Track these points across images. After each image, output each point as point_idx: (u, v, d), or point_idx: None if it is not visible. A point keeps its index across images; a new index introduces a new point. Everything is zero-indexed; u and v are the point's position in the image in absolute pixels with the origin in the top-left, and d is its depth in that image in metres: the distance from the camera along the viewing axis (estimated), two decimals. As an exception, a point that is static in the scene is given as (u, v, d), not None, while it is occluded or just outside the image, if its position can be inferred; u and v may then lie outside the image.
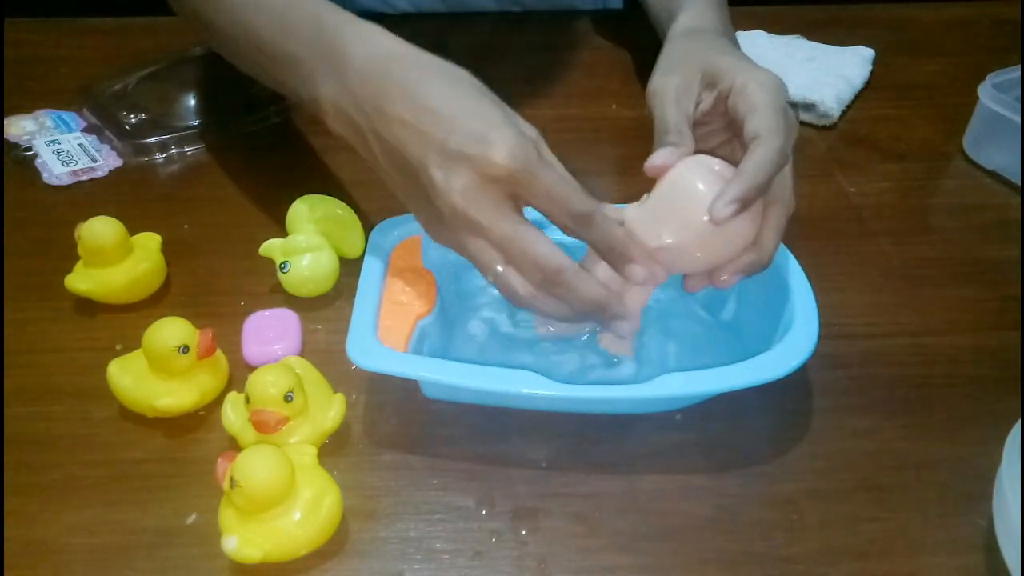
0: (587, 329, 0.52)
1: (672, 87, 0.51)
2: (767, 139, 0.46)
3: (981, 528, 0.45)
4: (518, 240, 0.44)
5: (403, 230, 0.54)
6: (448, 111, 0.44)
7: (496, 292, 0.55)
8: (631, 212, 0.47)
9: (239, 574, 0.43)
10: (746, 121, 0.47)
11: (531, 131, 0.46)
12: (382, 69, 0.47)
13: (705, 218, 0.44)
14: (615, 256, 0.45)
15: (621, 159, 0.73)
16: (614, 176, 0.71)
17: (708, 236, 0.45)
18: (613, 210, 0.47)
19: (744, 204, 0.44)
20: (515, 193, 0.44)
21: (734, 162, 0.46)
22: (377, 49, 0.48)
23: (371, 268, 0.52)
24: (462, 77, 0.46)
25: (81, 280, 0.56)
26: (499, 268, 0.45)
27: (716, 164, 0.46)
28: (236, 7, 0.55)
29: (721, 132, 0.52)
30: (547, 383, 0.45)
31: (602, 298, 0.45)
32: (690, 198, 0.45)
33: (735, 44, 0.59)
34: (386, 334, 0.48)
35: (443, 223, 0.45)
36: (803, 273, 0.51)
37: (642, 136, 0.70)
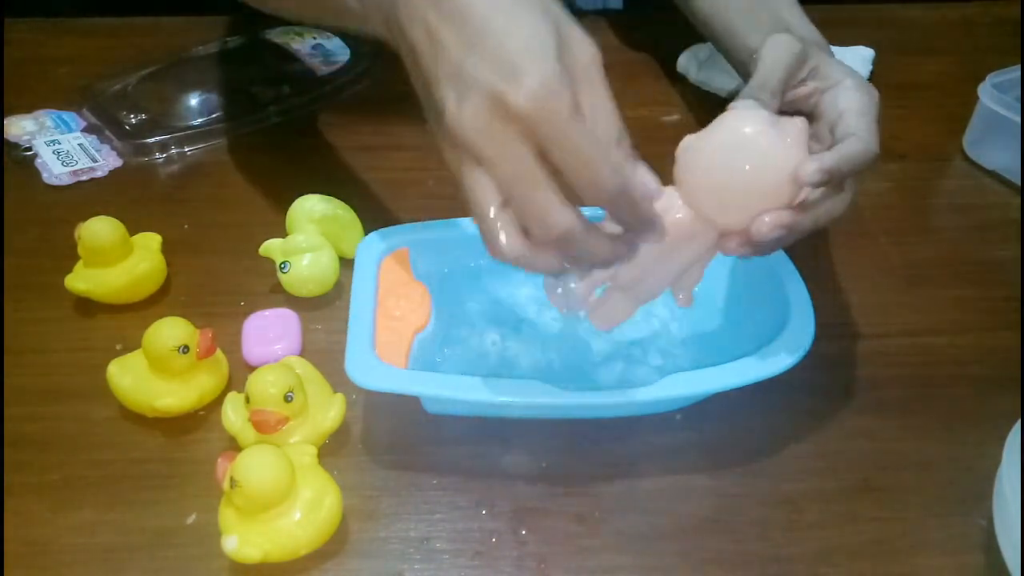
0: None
1: (792, 45, 0.50)
2: (866, 139, 0.46)
3: (981, 528, 0.45)
4: (525, 183, 0.37)
5: (389, 243, 0.54)
6: (477, 21, 0.37)
7: (495, 296, 0.56)
8: (688, 141, 0.44)
9: (239, 574, 0.43)
10: (844, 117, 0.47)
11: (584, 54, 0.39)
12: None
13: (749, 167, 0.42)
14: (642, 235, 0.41)
15: (621, 159, 0.72)
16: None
17: (759, 187, 0.42)
18: (647, 181, 0.40)
19: (831, 178, 0.42)
20: (536, 136, 0.37)
21: None
22: None
23: (361, 284, 0.51)
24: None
25: (81, 280, 0.56)
26: (492, 210, 0.38)
27: (756, 110, 0.45)
28: None
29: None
30: (551, 392, 0.45)
31: (613, 257, 0.40)
32: (744, 148, 0.42)
33: None
34: (384, 351, 0.48)
35: (449, 143, 0.39)
36: (796, 271, 0.51)
37: (642, 136, 0.69)
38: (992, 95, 0.69)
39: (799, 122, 0.43)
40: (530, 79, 0.36)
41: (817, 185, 0.43)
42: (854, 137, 0.46)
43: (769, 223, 0.42)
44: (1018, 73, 0.71)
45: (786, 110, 0.50)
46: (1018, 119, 0.67)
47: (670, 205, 0.43)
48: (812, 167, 0.42)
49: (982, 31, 0.91)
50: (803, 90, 0.51)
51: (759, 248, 0.44)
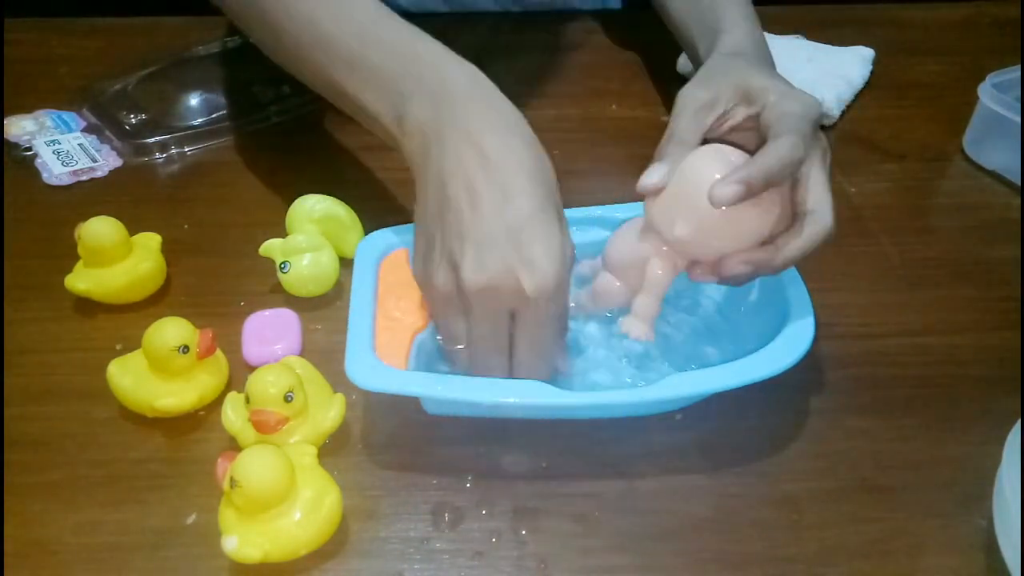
0: (612, 308, 0.52)
1: (697, 98, 0.51)
2: (788, 139, 0.46)
3: (981, 528, 0.45)
4: (491, 347, 0.46)
5: (388, 243, 0.54)
6: (518, 205, 0.44)
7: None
8: (649, 201, 0.47)
9: (239, 574, 0.43)
10: (772, 130, 0.47)
11: (568, 256, 0.46)
12: (479, 122, 0.46)
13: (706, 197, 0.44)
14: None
15: (621, 159, 0.73)
16: (614, 176, 0.71)
17: (719, 226, 0.45)
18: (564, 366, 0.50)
19: (748, 189, 0.43)
20: (520, 314, 0.45)
21: None
22: (482, 96, 0.48)
23: (361, 285, 0.51)
24: (546, 173, 0.46)
25: (81, 280, 0.56)
26: (459, 346, 0.47)
27: (732, 154, 0.46)
28: (302, 5, 0.53)
29: (751, 135, 0.51)
30: (551, 392, 0.45)
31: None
32: (701, 186, 0.44)
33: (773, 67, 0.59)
34: (384, 351, 0.48)
35: (446, 288, 0.46)
36: (796, 271, 0.51)
37: (642, 136, 0.70)
38: (992, 95, 0.69)
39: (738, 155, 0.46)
40: (541, 277, 0.43)
41: (740, 198, 0.43)
42: (774, 141, 0.46)
43: (735, 260, 0.46)
44: (1018, 73, 0.71)
45: (734, 140, 0.51)
46: (1018, 119, 0.67)
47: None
48: (721, 185, 0.43)
49: (982, 31, 0.91)
50: (736, 119, 0.50)
51: (728, 281, 0.47)
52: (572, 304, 0.52)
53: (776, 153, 0.45)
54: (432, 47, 0.51)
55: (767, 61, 0.58)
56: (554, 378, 0.49)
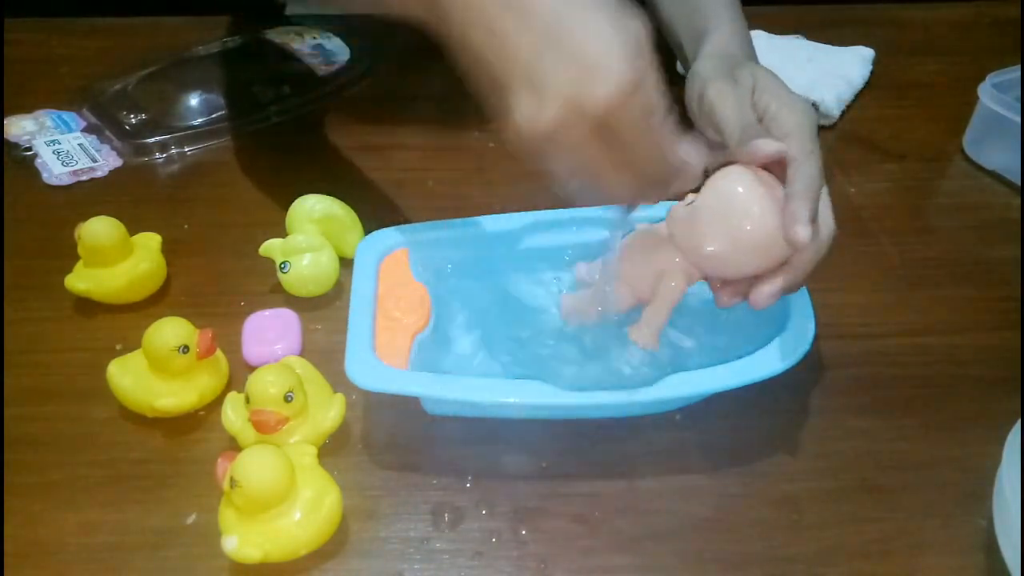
0: (615, 315, 0.51)
1: (734, 96, 0.50)
2: (803, 161, 0.46)
3: (981, 528, 0.45)
4: (591, 173, 0.41)
5: (388, 243, 0.54)
6: (549, 19, 0.38)
7: (495, 296, 0.56)
8: (675, 210, 0.47)
9: (239, 574, 0.43)
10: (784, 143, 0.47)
11: (638, 32, 0.39)
12: None
13: (749, 227, 0.44)
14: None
15: (621, 159, 0.73)
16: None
17: (751, 248, 0.45)
18: (686, 158, 0.44)
19: (813, 220, 0.44)
20: (606, 130, 0.39)
21: None
22: None
23: (361, 285, 0.51)
24: None
25: (81, 280, 0.56)
26: (572, 179, 0.42)
27: (769, 179, 0.46)
28: None
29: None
30: (551, 392, 0.45)
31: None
32: (742, 213, 0.45)
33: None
34: (384, 351, 0.48)
35: (521, 139, 0.40)
36: None
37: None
38: (992, 95, 0.69)
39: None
40: (606, 84, 0.37)
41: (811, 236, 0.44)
42: (796, 163, 0.46)
43: (767, 293, 0.45)
44: (1018, 73, 0.71)
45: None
46: (1018, 119, 0.67)
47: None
48: (799, 229, 0.43)
49: (982, 31, 0.91)
50: None
51: (756, 306, 0.46)
52: (570, 312, 0.52)
53: (813, 181, 0.45)
54: None
55: (752, 59, 0.58)
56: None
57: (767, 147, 0.45)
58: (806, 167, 0.45)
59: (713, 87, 0.52)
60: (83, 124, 0.74)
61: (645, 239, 0.50)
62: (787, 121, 0.48)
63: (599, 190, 0.43)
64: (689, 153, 0.44)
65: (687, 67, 0.66)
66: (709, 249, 0.46)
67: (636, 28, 0.39)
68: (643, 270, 0.49)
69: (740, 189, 0.45)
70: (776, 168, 0.48)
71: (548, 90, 0.38)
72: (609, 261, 0.51)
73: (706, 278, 0.48)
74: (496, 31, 0.39)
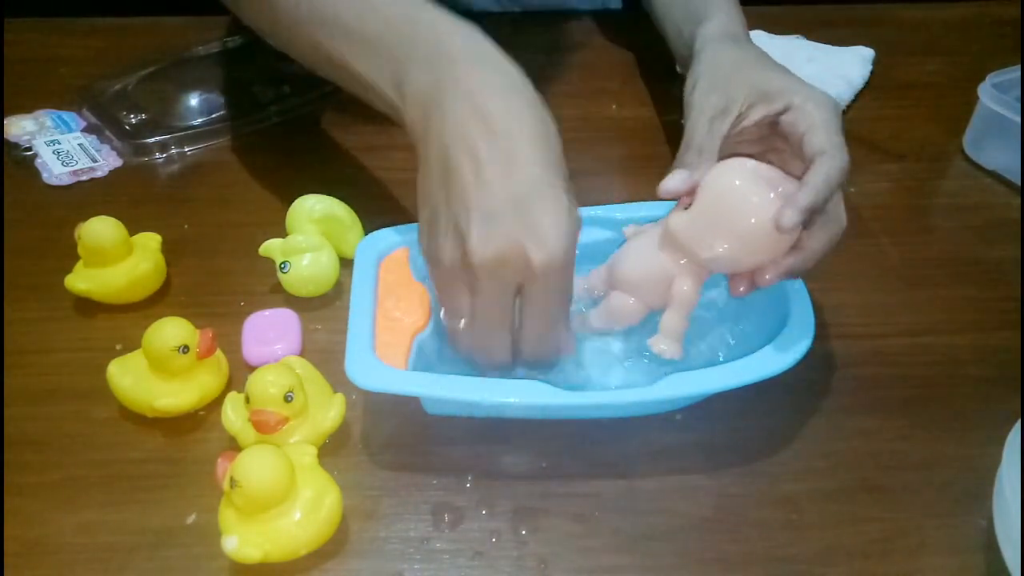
0: (623, 327, 0.52)
1: (712, 105, 0.51)
2: (833, 155, 0.46)
3: (981, 528, 0.45)
4: (495, 323, 0.45)
5: (388, 243, 0.54)
6: (524, 175, 0.43)
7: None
8: (676, 220, 0.47)
9: (239, 574, 0.43)
10: (807, 138, 0.47)
11: (578, 229, 0.44)
12: (480, 84, 0.45)
13: (753, 221, 0.44)
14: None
15: (621, 159, 0.73)
16: (614, 176, 0.71)
17: (758, 242, 0.45)
18: (568, 350, 0.49)
19: (809, 215, 0.44)
20: (526, 288, 0.44)
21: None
22: (482, 57, 0.46)
23: (361, 285, 0.51)
24: (551, 137, 0.45)
25: (81, 280, 0.56)
26: (460, 323, 0.46)
27: (761, 169, 0.46)
28: None
29: (755, 143, 0.52)
30: (551, 392, 0.45)
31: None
32: (741, 207, 0.45)
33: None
34: (384, 351, 0.48)
35: (442, 255, 0.44)
36: None
37: (642, 136, 0.70)
38: (992, 95, 0.69)
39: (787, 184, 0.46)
40: (550, 249, 0.42)
41: (801, 225, 0.44)
42: (823, 156, 0.46)
43: (772, 275, 0.46)
44: (1018, 73, 0.71)
45: (751, 139, 0.51)
46: (1018, 119, 0.67)
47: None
48: (789, 213, 0.43)
49: (982, 31, 0.91)
50: (751, 119, 0.50)
51: (760, 285, 0.47)
52: (582, 324, 0.52)
53: (831, 177, 0.45)
54: (431, 12, 0.48)
55: (758, 48, 0.58)
56: (559, 365, 0.49)
57: (670, 183, 0.47)
58: (831, 160, 0.46)
59: (697, 93, 0.53)
60: (83, 124, 0.74)
61: (645, 245, 0.50)
62: (814, 114, 0.48)
63: (480, 340, 0.46)
64: (568, 345, 0.48)
65: (680, 54, 0.66)
66: (717, 250, 0.46)
67: (579, 220, 0.44)
68: (649, 278, 0.48)
69: (737, 183, 0.45)
70: (792, 163, 0.48)
71: (502, 232, 0.41)
72: (610, 275, 0.51)
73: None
74: (482, 172, 0.43)
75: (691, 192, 0.47)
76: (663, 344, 0.48)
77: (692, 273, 0.47)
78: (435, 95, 0.45)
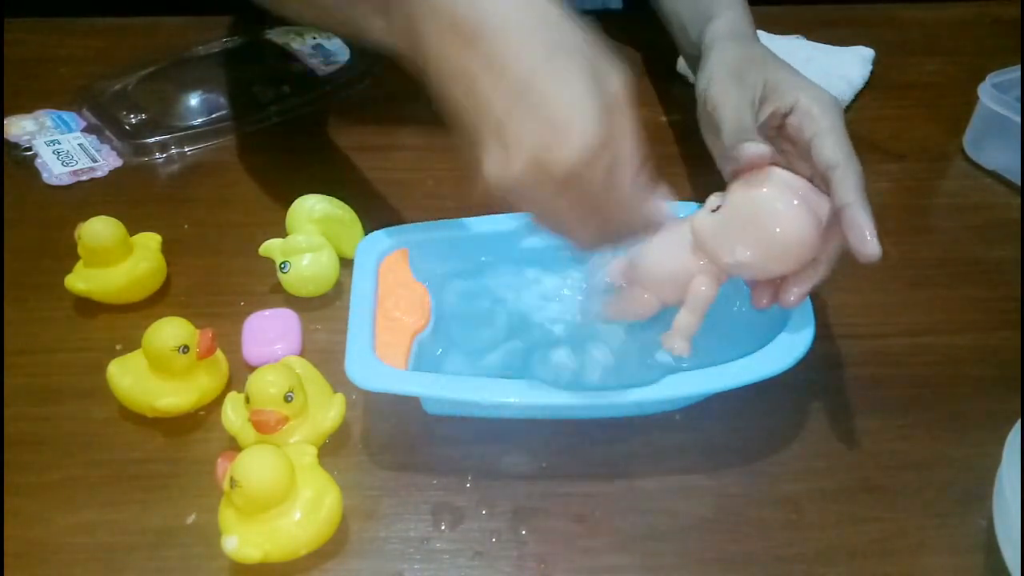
0: (654, 313, 0.51)
1: (746, 97, 0.51)
2: (848, 165, 0.46)
3: (981, 528, 0.45)
4: (557, 223, 0.42)
5: (388, 243, 0.54)
6: (520, 74, 0.37)
7: (495, 296, 0.56)
8: (702, 222, 0.47)
9: (239, 574, 0.43)
10: (816, 145, 0.47)
11: (614, 85, 0.39)
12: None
13: (778, 230, 0.44)
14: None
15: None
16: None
17: (782, 252, 0.45)
18: (656, 211, 0.44)
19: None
20: (572, 187, 0.39)
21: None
22: None
23: (361, 285, 0.51)
24: (546, 13, 0.39)
25: (81, 280, 0.56)
26: (541, 224, 0.43)
27: (789, 178, 0.46)
28: None
29: None
30: (551, 392, 0.45)
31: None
32: (767, 215, 0.45)
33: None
34: (384, 351, 0.48)
35: (484, 188, 0.40)
36: None
37: (642, 136, 0.69)
38: (992, 95, 0.69)
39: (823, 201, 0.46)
40: (573, 144, 0.37)
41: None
42: (841, 169, 0.46)
43: (798, 294, 0.46)
44: (1018, 73, 0.71)
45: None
46: (1018, 119, 0.67)
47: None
48: (872, 243, 0.45)
49: (982, 31, 0.91)
50: (764, 113, 0.50)
51: (787, 306, 0.47)
52: (594, 314, 0.52)
53: (858, 187, 0.46)
54: None
55: (765, 47, 0.58)
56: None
57: (753, 149, 0.45)
58: (852, 173, 0.46)
59: (717, 86, 0.52)
60: (83, 124, 0.73)
61: (669, 242, 0.49)
62: (820, 120, 0.48)
63: (566, 236, 0.43)
64: (657, 210, 0.44)
65: (689, 52, 0.66)
66: (739, 256, 0.45)
67: (612, 82, 0.39)
68: (668, 275, 0.48)
69: (765, 190, 0.45)
70: (797, 164, 0.48)
71: (514, 148, 0.38)
72: (630, 267, 0.51)
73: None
74: (471, 85, 0.39)
75: (761, 166, 0.46)
76: (675, 341, 0.48)
77: (711, 274, 0.47)
78: (414, 24, 0.41)
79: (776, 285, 0.47)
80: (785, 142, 0.51)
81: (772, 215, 0.45)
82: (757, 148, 0.45)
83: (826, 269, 0.47)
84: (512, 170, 0.38)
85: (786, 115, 0.50)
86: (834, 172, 0.46)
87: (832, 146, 0.47)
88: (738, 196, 0.46)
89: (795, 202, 0.45)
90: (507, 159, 0.38)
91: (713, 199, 0.47)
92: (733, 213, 0.46)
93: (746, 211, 0.46)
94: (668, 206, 0.44)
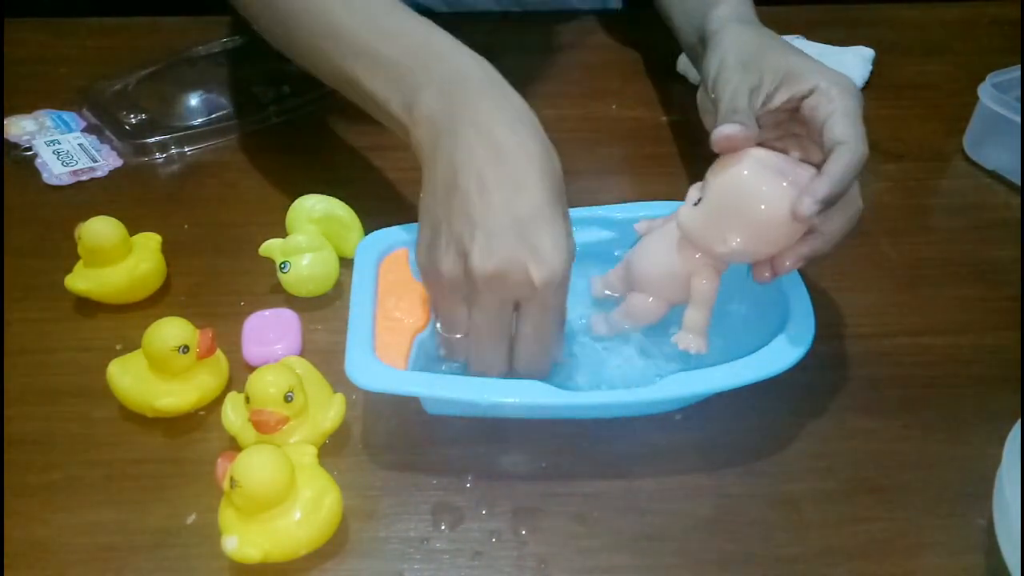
0: (664, 313, 0.51)
1: (747, 83, 0.51)
2: (852, 145, 0.46)
3: (981, 528, 0.45)
4: (493, 337, 0.46)
5: (389, 243, 0.54)
6: (527, 198, 0.45)
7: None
8: (686, 216, 0.47)
9: (239, 574, 0.43)
10: (827, 124, 0.47)
11: (572, 249, 0.46)
12: (491, 114, 0.47)
13: (764, 209, 0.44)
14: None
15: (621, 159, 0.73)
16: (614, 176, 0.71)
17: (772, 232, 0.45)
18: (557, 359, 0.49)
19: (827, 205, 0.44)
20: (524, 304, 0.46)
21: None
22: (494, 89, 0.49)
23: (361, 285, 0.51)
24: (554, 167, 0.47)
25: (81, 280, 0.56)
26: (457, 335, 0.48)
27: (769, 157, 0.46)
28: None
29: (772, 128, 0.51)
30: (551, 392, 0.45)
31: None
32: (751, 197, 0.44)
33: None
34: (384, 352, 0.48)
35: (443, 267, 0.46)
36: (796, 271, 0.51)
37: (642, 136, 0.69)
38: (992, 95, 0.69)
39: (805, 171, 0.46)
40: (549, 268, 0.44)
41: (818, 214, 0.44)
42: (843, 146, 0.46)
43: (791, 262, 0.46)
44: (1018, 73, 0.71)
45: (768, 124, 0.51)
46: (1018, 119, 0.67)
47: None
48: (807, 202, 0.43)
49: (982, 31, 0.91)
50: (775, 103, 0.50)
51: (779, 273, 0.48)
52: (605, 326, 0.52)
53: (850, 167, 0.45)
54: (444, 39, 0.51)
55: (774, 33, 0.58)
56: (552, 372, 0.49)
57: (724, 131, 0.46)
58: (851, 150, 0.45)
59: (726, 70, 0.52)
60: (83, 124, 0.74)
61: (660, 243, 0.49)
62: (837, 101, 0.48)
63: (477, 352, 0.47)
64: (559, 356, 0.49)
65: (687, 40, 0.66)
66: (731, 244, 0.45)
67: (574, 246, 0.45)
68: (666, 276, 0.48)
69: (745, 172, 0.45)
70: (810, 149, 0.48)
71: (503, 249, 0.43)
72: (628, 275, 0.51)
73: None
74: (488, 193, 0.44)
75: (744, 145, 0.46)
76: (688, 340, 0.48)
77: (709, 267, 0.47)
78: (445, 120, 0.47)
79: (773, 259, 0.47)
80: (799, 125, 0.50)
81: (753, 196, 0.44)
82: (726, 129, 0.46)
83: (824, 242, 0.47)
84: (490, 264, 0.43)
85: (804, 98, 0.49)
86: (837, 148, 0.46)
87: (843, 126, 0.47)
88: (716, 184, 0.46)
89: (774, 178, 0.44)
90: (490, 254, 0.43)
91: (693, 192, 0.47)
92: (715, 202, 0.46)
93: (727, 197, 0.45)
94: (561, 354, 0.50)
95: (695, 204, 0.47)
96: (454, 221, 0.45)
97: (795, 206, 0.43)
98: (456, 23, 0.54)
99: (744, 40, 0.55)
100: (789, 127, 0.51)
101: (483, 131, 0.46)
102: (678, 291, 0.48)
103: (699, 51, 0.61)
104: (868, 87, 0.80)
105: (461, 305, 0.46)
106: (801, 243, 0.46)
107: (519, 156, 0.46)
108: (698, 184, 0.48)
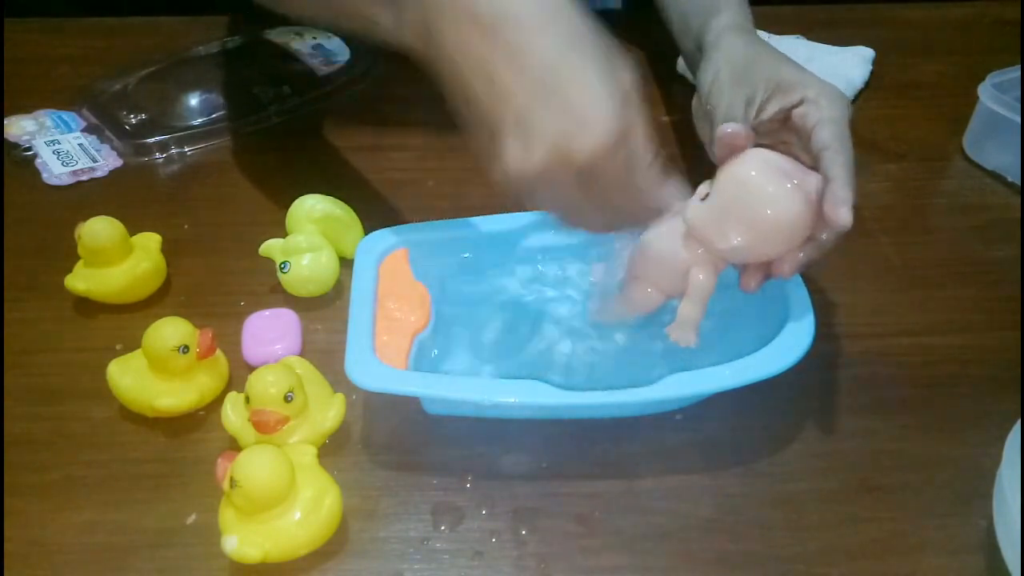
0: (642, 315, 0.51)
1: (741, 95, 0.51)
2: (839, 148, 0.46)
3: (981, 528, 0.45)
4: (574, 213, 0.44)
5: (388, 243, 0.54)
6: (542, 69, 0.39)
7: (496, 296, 0.56)
8: (693, 211, 0.47)
9: (239, 574, 0.43)
10: (816, 132, 0.48)
11: (626, 81, 0.41)
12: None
13: (769, 212, 0.44)
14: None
15: (621, 159, 0.72)
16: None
17: (775, 233, 0.45)
18: (669, 199, 0.46)
19: (855, 203, 0.44)
20: (590, 177, 0.41)
21: None
22: None
23: (361, 284, 0.51)
24: (562, 8, 0.41)
25: (81, 280, 0.56)
26: (556, 214, 0.45)
27: (777, 159, 0.46)
28: None
29: (764, 137, 0.51)
30: (551, 392, 0.45)
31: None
32: (758, 198, 0.45)
33: None
34: (384, 351, 0.48)
35: (498, 178, 0.42)
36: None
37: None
38: (992, 95, 0.69)
39: (813, 178, 0.46)
40: (592, 136, 0.39)
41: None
42: (832, 150, 0.46)
43: (790, 268, 0.46)
44: (1018, 73, 0.71)
45: (759, 132, 0.50)
46: (1018, 119, 0.67)
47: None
48: (843, 212, 0.44)
49: (982, 31, 0.91)
50: (767, 113, 0.50)
51: (781, 277, 0.47)
52: (599, 315, 0.52)
53: (847, 167, 0.46)
54: None
55: (768, 43, 0.58)
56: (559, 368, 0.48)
57: (730, 127, 0.45)
58: (843, 153, 0.46)
59: (720, 83, 0.53)
60: (83, 124, 0.74)
61: (663, 234, 0.49)
62: (825, 109, 0.48)
63: (580, 225, 0.46)
64: (670, 197, 0.46)
65: (685, 47, 0.66)
66: (733, 241, 0.45)
67: (626, 79, 0.41)
68: (667, 267, 0.48)
69: (754, 173, 0.45)
70: (799, 157, 0.48)
71: (536, 137, 0.39)
72: (631, 263, 0.51)
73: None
74: (492, 76, 0.40)
75: (743, 145, 0.46)
76: (680, 332, 0.48)
77: (709, 263, 0.47)
78: (428, 18, 0.42)
79: (766, 267, 0.47)
80: (789, 133, 0.51)
81: (760, 196, 0.45)
82: (734, 126, 0.45)
83: (824, 246, 0.47)
84: (533, 160, 0.39)
85: (794, 107, 0.50)
86: (825, 152, 0.46)
87: (830, 132, 0.47)
88: (725, 181, 0.46)
89: (781, 180, 0.45)
90: (528, 149, 0.39)
91: (702, 187, 0.47)
92: (722, 199, 0.46)
93: (734, 195, 0.45)
94: (679, 192, 0.46)
95: (703, 199, 0.47)
96: (481, 123, 0.41)
97: (839, 219, 0.44)
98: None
99: (738, 52, 0.56)
100: (780, 135, 0.51)
101: (463, 10, 0.40)
102: (676, 283, 0.49)
103: (696, 58, 0.61)
104: (868, 87, 0.80)
105: (544, 193, 0.42)
106: (799, 253, 0.46)
107: (507, 20, 0.40)
108: (708, 181, 0.48)
